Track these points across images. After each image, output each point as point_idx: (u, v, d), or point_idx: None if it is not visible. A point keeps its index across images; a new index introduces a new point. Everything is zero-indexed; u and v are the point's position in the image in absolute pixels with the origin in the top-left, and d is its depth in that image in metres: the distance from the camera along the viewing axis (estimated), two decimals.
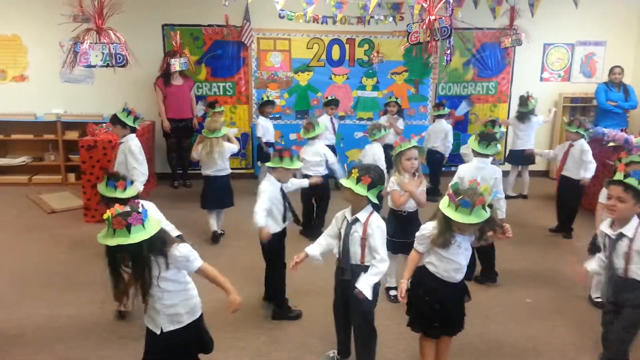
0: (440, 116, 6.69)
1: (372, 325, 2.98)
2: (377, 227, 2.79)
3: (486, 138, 4.14)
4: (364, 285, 2.75)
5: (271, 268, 3.74)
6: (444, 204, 2.57)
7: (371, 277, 2.78)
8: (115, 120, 4.63)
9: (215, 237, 5.11)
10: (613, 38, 7.84)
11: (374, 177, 2.74)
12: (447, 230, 2.60)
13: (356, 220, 2.82)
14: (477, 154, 4.18)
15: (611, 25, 7.78)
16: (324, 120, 6.22)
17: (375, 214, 2.85)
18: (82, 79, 7.27)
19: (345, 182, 2.79)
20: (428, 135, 6.82)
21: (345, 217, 2.89)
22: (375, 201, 2.79)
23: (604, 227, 2.81)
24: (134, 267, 2.30)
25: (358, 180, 2.73)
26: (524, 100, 6.53)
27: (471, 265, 4.27)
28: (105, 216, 2.24)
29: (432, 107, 7.06)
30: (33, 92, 7.21)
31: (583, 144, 5.19)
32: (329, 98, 6.57)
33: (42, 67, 7.19)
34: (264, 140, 6.49)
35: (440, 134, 6.65)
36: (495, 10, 6.45)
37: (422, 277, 2.78)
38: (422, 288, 2.77)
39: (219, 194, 5.10)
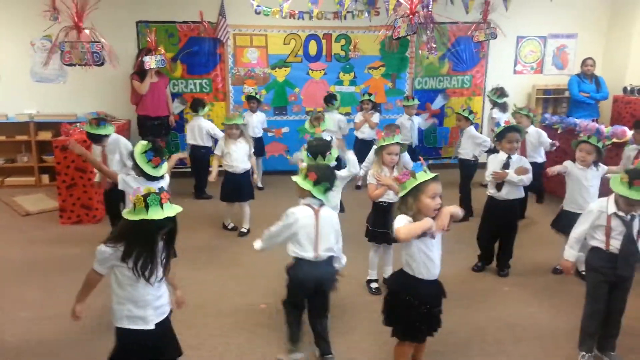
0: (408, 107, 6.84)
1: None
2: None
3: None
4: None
5: None
6: (404, 188, 2.66)
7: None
8: (96, 138, 4.56)
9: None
10: (584, 30, 8.02)
11: (320, 175, 2.90)
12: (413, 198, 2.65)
13: None
14: None
15: (582, 18, 7.96)
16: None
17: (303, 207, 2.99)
18: (54, 78, 7.13)
19: (294, 177, 2.97)
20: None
21: None
22: (320, 197, 2.93)
23: (612, 208, 2.92)
24: (171, 239, 2.47)
25: (305, 177, 2.91)
26: (503, 91, 6.71)
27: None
28: (143, 196, 2.32)
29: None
30: (4, 91, 7.02)
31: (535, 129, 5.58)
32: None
33: (13, 66, 7.02)
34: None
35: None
36: (468, 5, 6.53)
37: (405, 282, 2.72)
38: (407, 293, 2.69)
39: None
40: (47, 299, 3.90)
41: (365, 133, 6.78)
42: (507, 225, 4.32)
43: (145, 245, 2.36)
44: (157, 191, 2.36)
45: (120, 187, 3.66)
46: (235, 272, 4.38)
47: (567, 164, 4.14)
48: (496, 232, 4.37)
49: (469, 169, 5.76)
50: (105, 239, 2.43)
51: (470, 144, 5.65)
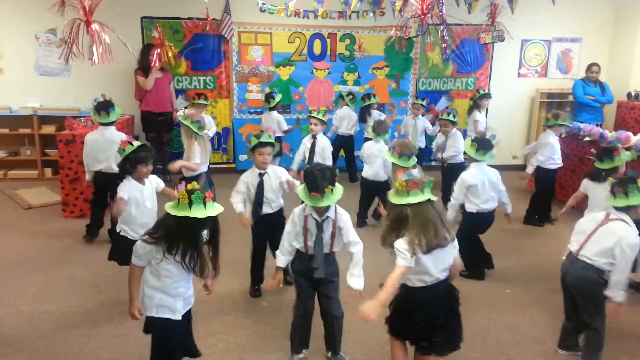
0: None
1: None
2: (348, 218, 2.93)
3: (483, 145, 4.07)
4: (358, 281, 2.86)
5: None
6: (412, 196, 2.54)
7: (358, 268, 2.88)
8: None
9: None
10: (588, 35, 8.00)
11: (309, 181, 2.79)
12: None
13: (327, 218, 2.88)
14: (472, 159, 4.14)
15: (587, 22, 7.93)
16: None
17: (337, 207, 2.93)
18: (58, 71, 7.12)
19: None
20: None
21: (313, 217, 2.89)
22: (309, 203, 2.79)
23: None
24: (217, 235, 2.53)
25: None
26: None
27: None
28: (187, 193, 2.33)
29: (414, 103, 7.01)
30: (8, 85, 7.03)
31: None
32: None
33: (17, 60, 7.02)
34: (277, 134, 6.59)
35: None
36: (471, 6, 6.52)
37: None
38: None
39: None
40: (48, 293, 3.90)
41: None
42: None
43: (189, 241, 2.40)
44: (202, 188, 2.37)
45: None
46: (237, 270, 4.38)
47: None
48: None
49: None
50: (144, 234, 2.46)
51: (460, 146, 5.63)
